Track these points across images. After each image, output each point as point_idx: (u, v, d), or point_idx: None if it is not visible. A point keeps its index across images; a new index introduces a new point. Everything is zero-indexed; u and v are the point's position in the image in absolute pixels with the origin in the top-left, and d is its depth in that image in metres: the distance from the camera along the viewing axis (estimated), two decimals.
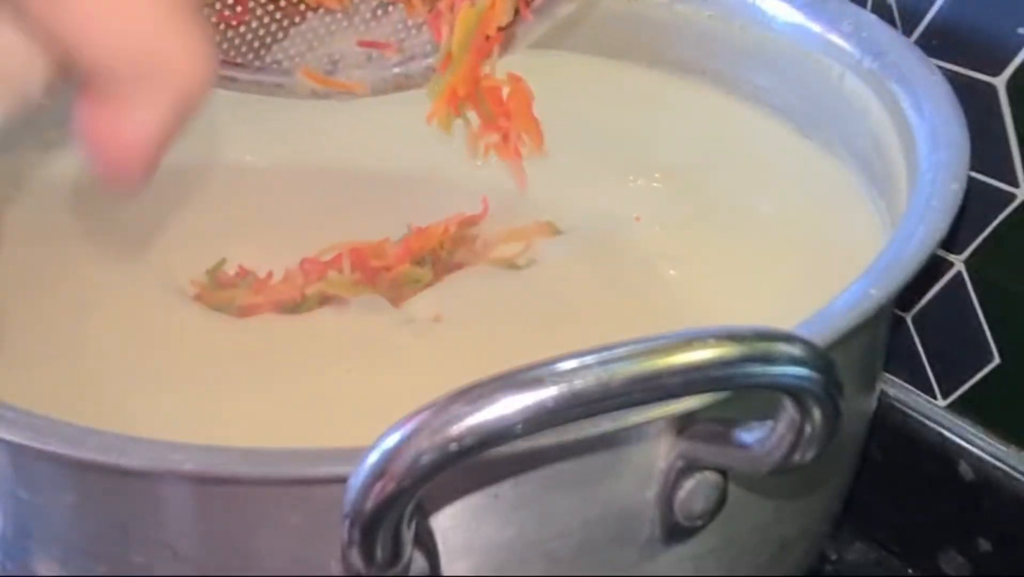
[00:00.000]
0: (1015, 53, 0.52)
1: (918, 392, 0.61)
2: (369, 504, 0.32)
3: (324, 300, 0.52)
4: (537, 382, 0.31)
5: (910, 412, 0.61)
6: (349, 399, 0.48)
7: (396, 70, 0.57)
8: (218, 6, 0.55)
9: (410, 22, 0.57)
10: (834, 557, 0.64)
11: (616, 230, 0.55)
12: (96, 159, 0.28)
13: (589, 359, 0.31)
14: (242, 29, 0.57)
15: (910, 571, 0.63)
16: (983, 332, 0.57)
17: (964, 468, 0.58)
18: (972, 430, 0.59)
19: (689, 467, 0.39)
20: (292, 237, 0.55)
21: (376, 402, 0.45)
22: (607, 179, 0.58)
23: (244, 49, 0.57)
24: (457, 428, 0.31)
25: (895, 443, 0.61)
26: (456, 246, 0.54)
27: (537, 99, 0.63)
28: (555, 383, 0.31)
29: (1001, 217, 0.54)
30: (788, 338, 0.33)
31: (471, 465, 0.32)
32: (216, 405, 0.48)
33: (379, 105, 0.58)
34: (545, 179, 0.58)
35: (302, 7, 0.57)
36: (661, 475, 0.39)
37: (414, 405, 0.32)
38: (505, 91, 0.55)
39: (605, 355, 0.32)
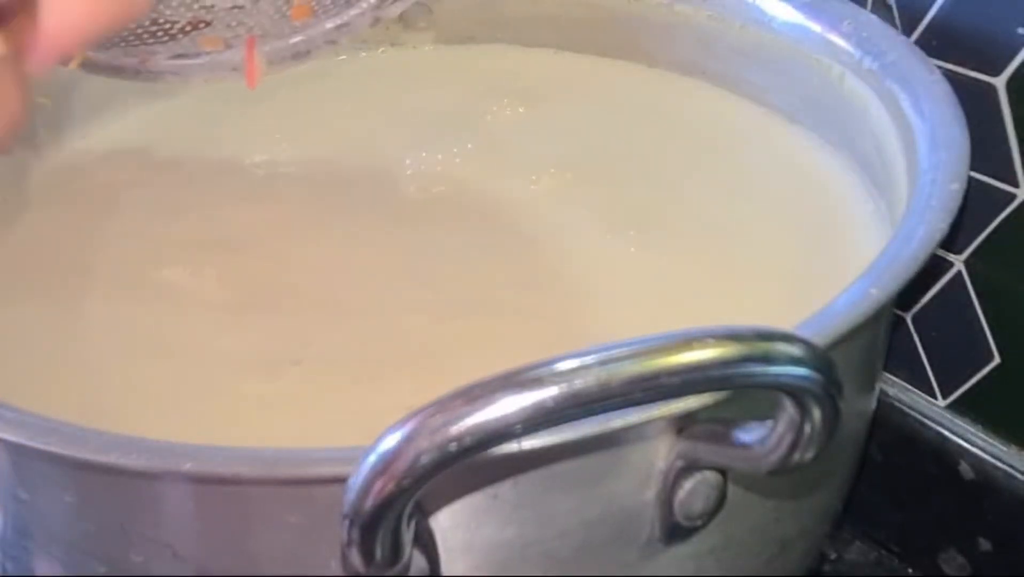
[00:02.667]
0: (1015, 53, 0.52)
1: (918, 392, 0.61)
2: (369, 504, 0.32)
3: None
4: (536, 382, 0.31)
5: (910, 412, 0.61)
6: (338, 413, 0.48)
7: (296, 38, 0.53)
8: None
9: None
10: (834, 557, 0.64)
11: (614, 228, 0.55)
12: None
13: (589, 359, 0.31)
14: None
15: (910, 571, 0.63)
16: (983, 332, 0.57)
17: (964, 468, 0.58)
18: (972, 430, 0.59)
19: (689, 467, 0.39)
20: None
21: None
22: (607, 177, 0.59)
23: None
24: (457, 428, 0.31)
25: (895, 443, 0.61)
26: None
27: (537, 99, 0.64)
28: (555, 383, 0.31)
29: (1001, 217, 0.54)
30: (788, 338, 0.33)
31: (471, 465, 0.32)
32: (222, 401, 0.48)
33: None
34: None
35: None
36: (661, 475, 0.39)
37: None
38: None
39: (605, 355, 0.32)
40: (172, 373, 0.49)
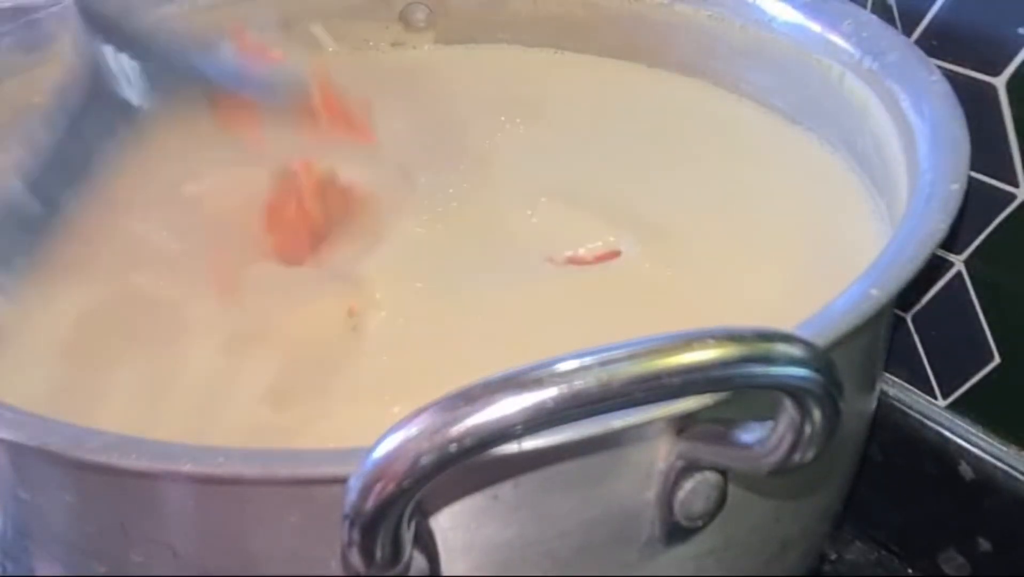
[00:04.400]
0: (1015, 53, 0.52)
1: (918, 392, 0.61)
2: (369, 504, 0.32)
3: None
4: (537, 383, 0.31)
5: (910, 412, 0.61)
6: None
7: None
8: None
9: None
10: (834, 557, 0.64)
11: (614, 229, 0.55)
12: None
13: (589, 360, 0.31)
14: None
15: (910, 571, 0.63)
16: (983, 332, 0.57)
17: (964, 468, 0.58)
18: (972, 430, 0.59)
19: (689, 467, 0.39)
20: None
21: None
22: (607, 178, 0.58)
23: None
24: (457, 429, 0.31)
25: (895, 443, 0.61)
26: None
27: (538, 98, 0.64)
28: (555, 384, 0.31)
29: (1001, 217, 0.54)
30: (788, 338, 0.33)
31: (471, 466, 0.32)
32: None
33: None
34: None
35: None
36: (661, 475, 0.39)
37: None
38: None
39: (605, 355, 0.32)
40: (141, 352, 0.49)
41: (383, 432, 0.32)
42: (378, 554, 0.34)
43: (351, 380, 0.48)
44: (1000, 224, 0.54)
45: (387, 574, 0.35)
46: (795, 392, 0.34)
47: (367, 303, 0.52)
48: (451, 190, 0.58)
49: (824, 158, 0.57)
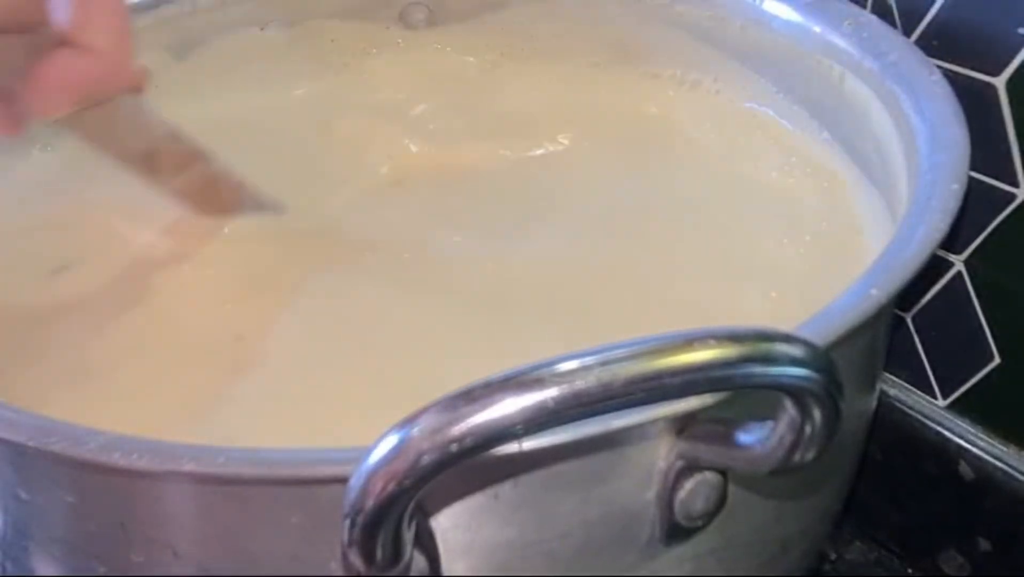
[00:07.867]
0: (1015, 53, 0.52)
1: (918, 392, 0.61)
2: (369, 504, 0.32)
3: None
4: (538, 382, 0.31)
5: (910, 412, 0.61)
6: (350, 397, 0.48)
7: None
8: None
9: None
10: (834, 557, 0.64)
11: (612, 235, 0.55)
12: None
13: (590, 359, 0.31)
14: None
15: (910, 571, 0.63)
16: (983, 332, 0.57)
17: (964, 468, 0.58)
18: (972, 430, 0.59)
19: (689, 467, 0.39)
20: None
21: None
22: (606, 178, 0.59)
23: None
24: (458, 428, 0.31)
25: (895, 443, 0.61)
26: None
27: (538, 98, 0.64)
28: (556, 383, 0.31)
29: (1001, 217, 0.54)
30: (788, 338, 0.33)
31: (472, 465, 0.32)
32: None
33: None
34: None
35: None
36: (661, 475, 0.39)
37: None
38: None
39: (606, 355, 0.32)
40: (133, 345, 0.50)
41: (383, 432, 0.32)
42: (378, 554, 0.34)
43: None
44: (1000, 224, 0.54)
45: (387, 574, 0.35)
46: (795, 392, 0.34)
47: None
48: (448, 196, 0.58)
49: (824, 158, 0.57)
